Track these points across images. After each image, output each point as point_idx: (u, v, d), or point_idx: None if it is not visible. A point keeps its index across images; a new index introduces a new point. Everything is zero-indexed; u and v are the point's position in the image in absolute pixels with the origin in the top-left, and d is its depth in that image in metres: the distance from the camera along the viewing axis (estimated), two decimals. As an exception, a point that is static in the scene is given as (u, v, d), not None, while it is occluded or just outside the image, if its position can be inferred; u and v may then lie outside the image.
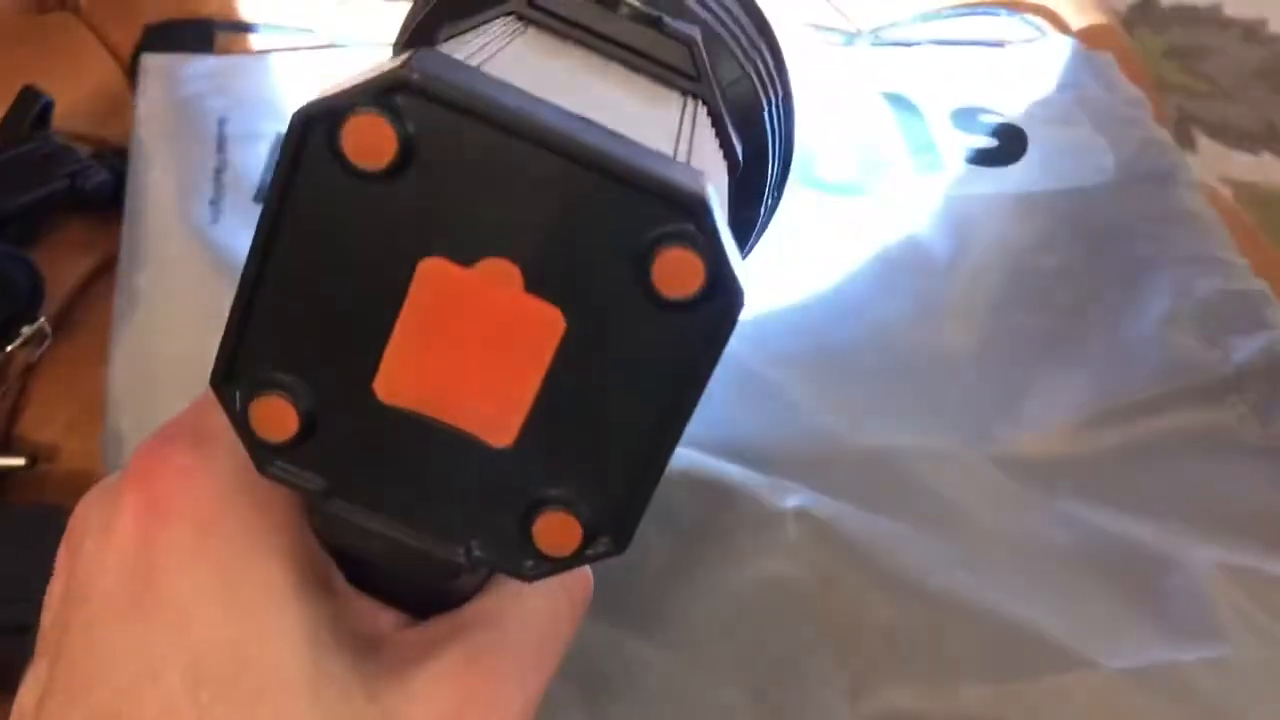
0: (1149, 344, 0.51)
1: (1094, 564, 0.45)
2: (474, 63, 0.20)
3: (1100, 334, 0.52)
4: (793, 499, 0.45)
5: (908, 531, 0.46)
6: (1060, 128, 0.59)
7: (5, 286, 0.47)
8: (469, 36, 0.26)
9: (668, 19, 0.27)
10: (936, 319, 0.53)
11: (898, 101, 0.61)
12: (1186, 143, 1.33)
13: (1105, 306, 0.53)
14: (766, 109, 0.32)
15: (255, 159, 0.53)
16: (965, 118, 0.60)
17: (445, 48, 0.24)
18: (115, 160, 0.53)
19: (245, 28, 0.63)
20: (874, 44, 0.65)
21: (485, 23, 0.26)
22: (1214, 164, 1.31)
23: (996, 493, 0.48)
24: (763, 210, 0.35)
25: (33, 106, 0.53)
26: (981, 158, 0.58)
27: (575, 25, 0.26)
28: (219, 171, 0.53)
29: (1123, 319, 0.52)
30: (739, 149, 0.30)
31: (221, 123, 0.55)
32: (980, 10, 0.68)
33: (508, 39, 0.24)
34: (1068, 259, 0.55)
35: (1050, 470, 0.48)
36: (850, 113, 0.60)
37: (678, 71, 0.27)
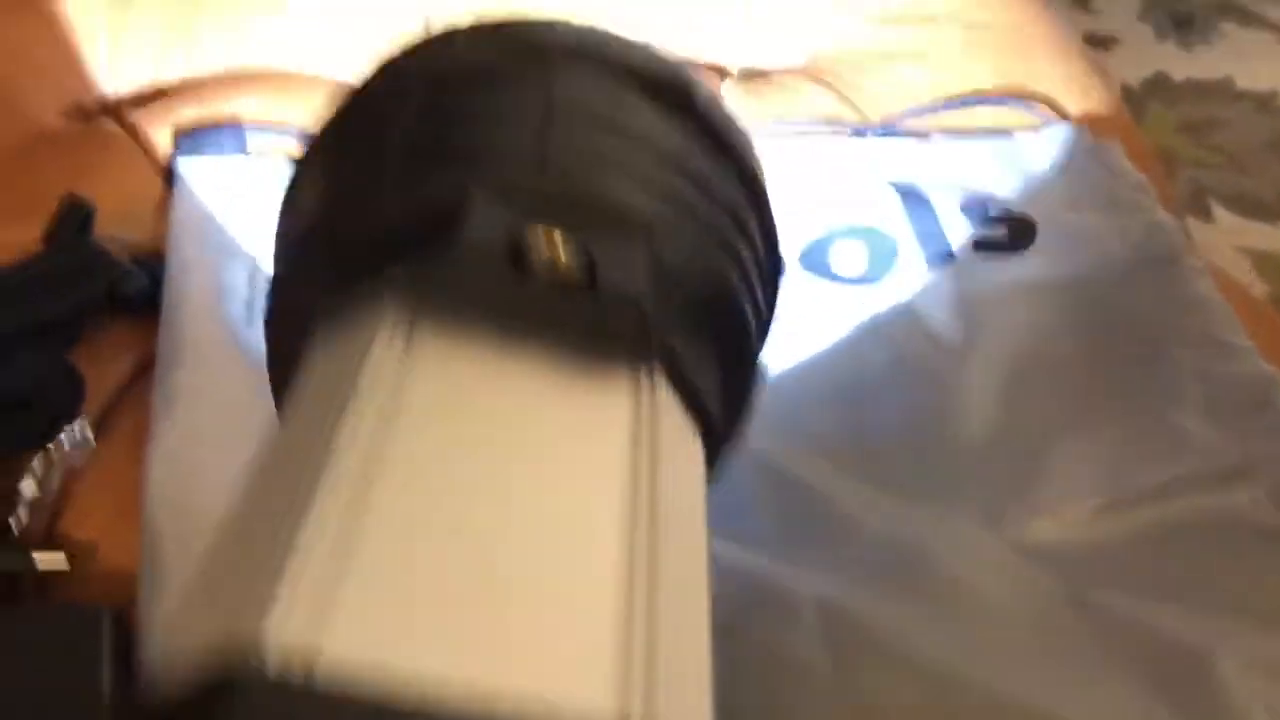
0: (1161, 429, 0.52)
1: (1114, 651, 0.46)
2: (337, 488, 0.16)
3: (1112, 419, 0.53)
4: (810, 583, 0.46)
5: (926, 616, 0.46)
6: (1068, 216, 0.61)
7: (47, 390, 0.49)
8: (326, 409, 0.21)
9: (602, 270, 0.23)
10: (951, 405, 0.54)
11: (907, 192, 0.62)
12: (1203, 214, 1.35)
13: (1116, 392, 0.54)
14: (740, 269, 0.31)
15: (287, 261, 0.55)
16: (974, 207, 0.61)
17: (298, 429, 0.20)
18: (154, 264, 0.56)
19: (276, 130, 0.66)
20: (882, 135, 0.67)
21: (362, 331, 0.22)
22: (1231, 235, 1.32)
23: (1014, 577, 0.48)
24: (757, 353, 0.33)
25: (76, 215, 0.55)
26: (991, 246, 0.60)
27: (479, 308, 0.22)
28: (252, 273, 0.55)
29: (1134, 404, 0.53)
30: (711, 404, 0.27)
31: (254, 224, 0.57)
32: (985, 100, 0.70)
33: (387, 393, 0.19)
34: (1079, 345, 0.56)
35: (1067, 555, 0.49)
36: (860, 203, 0.62)
37: (623, 335, 0.23)
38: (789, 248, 0.60)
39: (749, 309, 0.31)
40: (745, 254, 0.31)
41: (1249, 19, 1.60)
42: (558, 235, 0.23)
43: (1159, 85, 1.51)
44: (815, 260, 0.60)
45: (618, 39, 0.33)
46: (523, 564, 0.17)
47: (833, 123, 0.68)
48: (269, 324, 0.34)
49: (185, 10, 0.72)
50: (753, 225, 0.32)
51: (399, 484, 0.18)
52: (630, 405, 0.21)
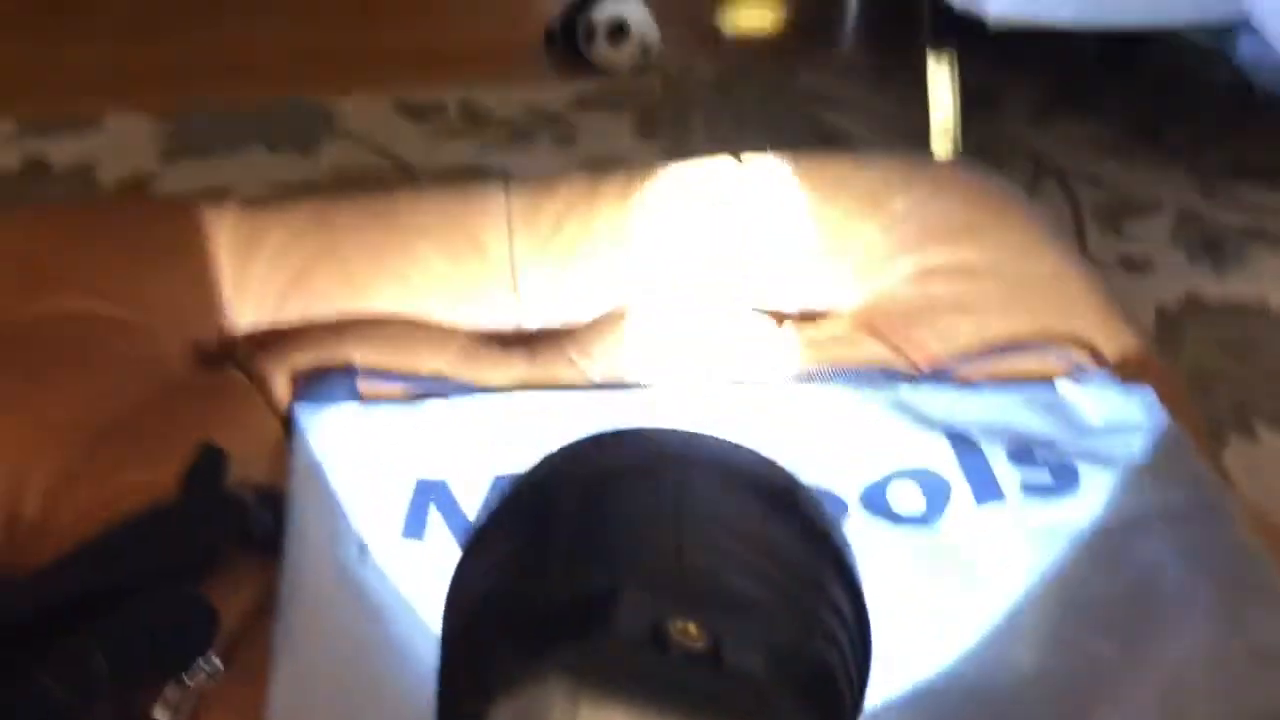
0: (1203, 671, 0.55)
1: None
2: None
3: (1155, 659, 0.56)
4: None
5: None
6: (1110, 464, 0.65)
7: (182, 624, 0.54)
8: None
9: (727, 652, 0.29)
10: (1000, 643, 0.57)
11: (958, 437, 0.68)
12: (1247, 433, 1.38)
13: (1159, 634, 0.57)
14: (839, 651, 0.36)
15: (399, 501, 0.61)
16: (1021, 454, 0.66)
17: None
18: (277, 502, 0.62)
19: (385, 375, 0.73)
20: (933, 382, 0.72)
21: (535, 703, 0.28)
22: (1274, 452, 1.35)
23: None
24: None
25: (210, 461, 0.62)
26: (1038, 491, 0.64)
27: (628, 682, 0.27)
28: (365, 514, 0.61)
29: (1176, 646, 0.56)
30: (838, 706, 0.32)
31: (366, 468, 0.63)
32: (1026, 348, 0.76)
33: None
34: (1123, 588, 0.59)
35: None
36: (915, 447, 0.67)
37: (743, 705, 0.28)
38: (850, 489, 0.65)
39: (844, 684, 0.36)
40: (841, 636, 0.36)
41: (1277, 244, 1.67)
42: (691, 626, 0.29)
43: (1194, 306, 1.57)
44: (875, 500, 0.65)
45: (730, 445, 0.39)
46: None
47: (884, 369, 0.74)
48: (442, 677, 0.38)
49: (303, 259, 0.81)
50: (847, 610, 0.38)
51: None
52: None
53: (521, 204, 0.87)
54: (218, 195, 1.65)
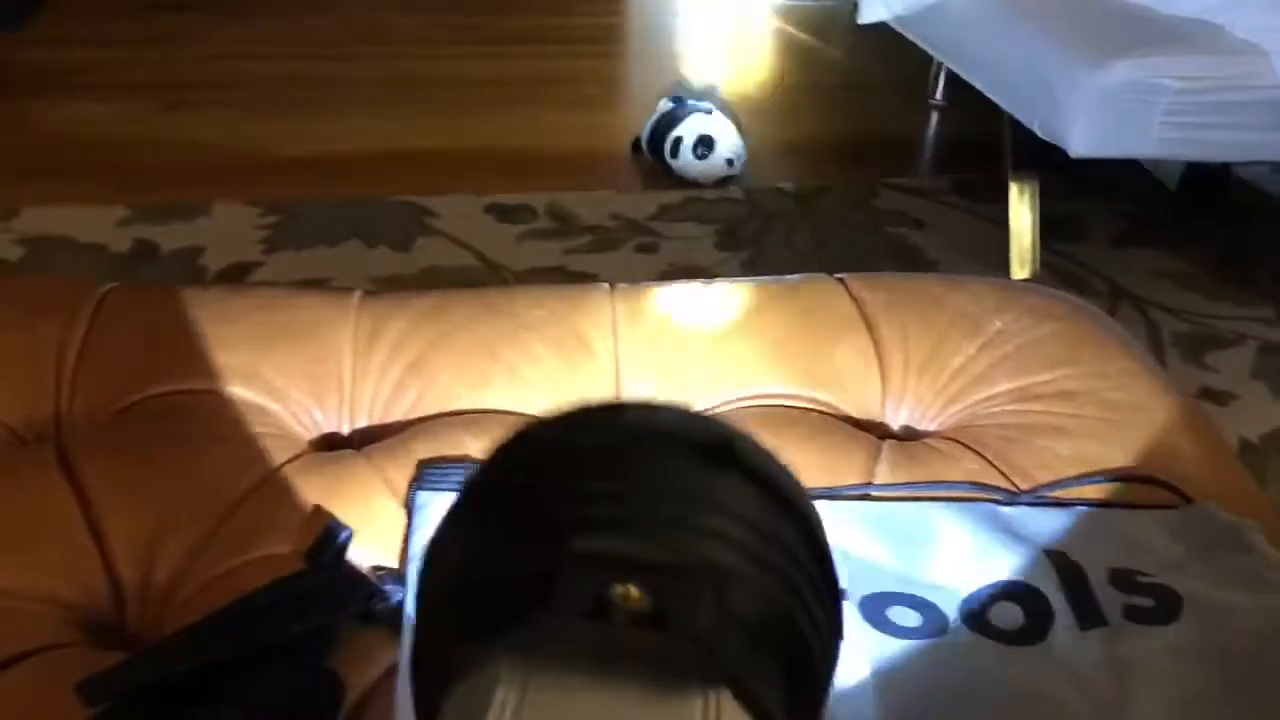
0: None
1: None
2: None
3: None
4: None
5: None
6: (1211, 591, 0.66)
7: (311, 696, 0.56)
8: None
9: (671, 614, 0.29)
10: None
11: (1059, 558, 0.68)
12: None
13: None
14: (799, 600, 0.35)
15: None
16: (1122, 578, 0.67)
17: None
18: (398, 582, 0.64)
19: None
20: (1033, 503, 0.74)
21: (480, 694, 0.28)
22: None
23: None
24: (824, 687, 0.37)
25: (334, 538, 0.65)
26: (1139, 616, 0.65)
27: (574, 657, 0.28)
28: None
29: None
30: (778, 703, 0.31)
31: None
32: (1125, 474, 0.77)
33: None
34: (1228, 713, 0.59)
35: None
36: (1014, 566, 0.68)
37: (692, 666, 0.28)
38: (950, 602, 0.66)
39: (809, 632, 0.36)
40: (803, 586, 0.36)
41: (1362, 381, 1.66)
42: (632, 589, 0.30)
43: (1278, 440, 1.56)
44: (975, 616, 0.66)
45: (680, 413, 0.41)
46: None
47: (982, 486, 0.75)
48: (412, 667, 0.39)
49: (421, 349, 0.85)
50: (807, 558, 0.38)
51: None
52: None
53: (626, 307, 0.91)
54: (317, 286, 1.73)
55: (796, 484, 0.39)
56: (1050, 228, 1.93)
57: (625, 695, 0.27)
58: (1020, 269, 1.88)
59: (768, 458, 0.40)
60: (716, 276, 1.86)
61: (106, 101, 2.23)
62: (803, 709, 0.35)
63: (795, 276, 0.96)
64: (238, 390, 0.80)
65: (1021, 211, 1.88)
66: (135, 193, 1.94)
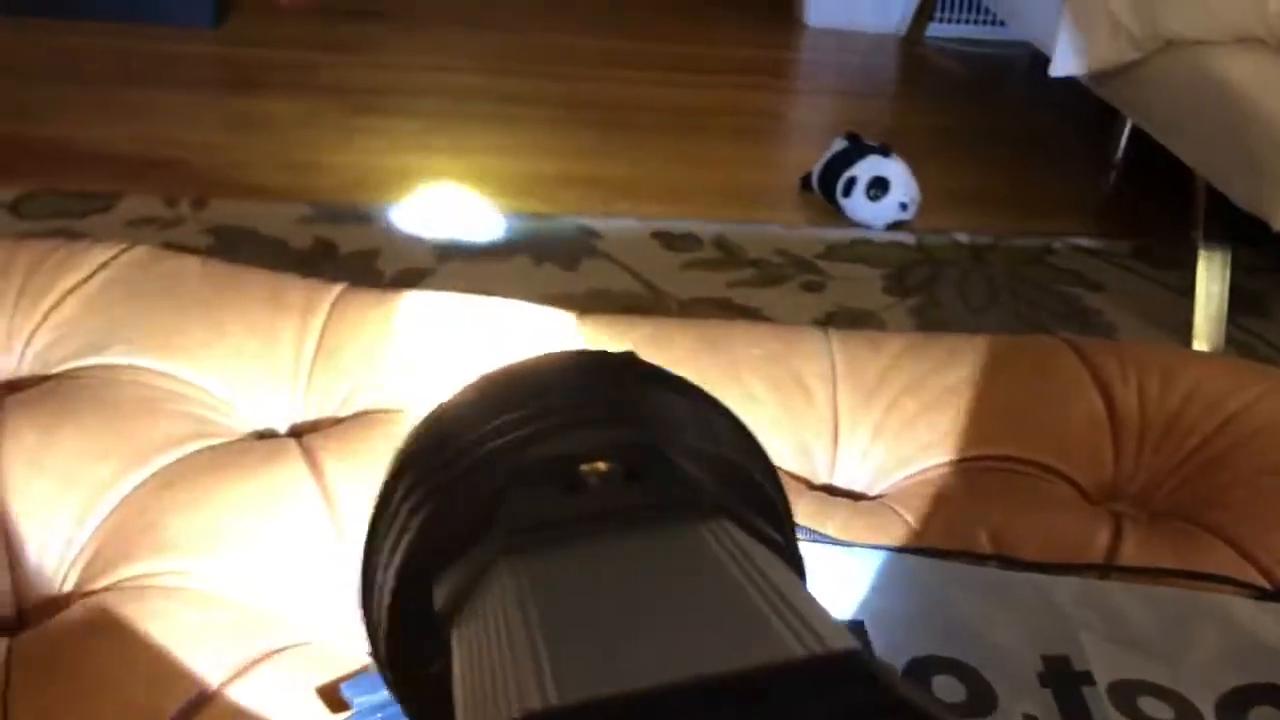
0: None
1: None
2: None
3: None
4: None
5: None
6: None
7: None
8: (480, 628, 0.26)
9: (643, 469, 0.30)
10: None
11: None
12: None
13: None
14: (756, 465, 0.37)
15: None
16: None
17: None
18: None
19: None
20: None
21: (481, 580, 0.28)
22: None
23: None
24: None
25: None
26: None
27: (564, 528, 0.28)
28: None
29: None
30: (779, 518, 0.32)
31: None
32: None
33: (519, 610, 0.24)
34: None
35: None
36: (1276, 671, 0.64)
37: (682, 502, 0.29)
38: (1205, 702, 0.62)
39: (771, 490, 0.36)
40: (751, 456, 0.37)
41: None
42: (599, 463, 0.29)
43: None
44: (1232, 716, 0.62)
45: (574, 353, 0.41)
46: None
47: (1236, 581, 0.71)
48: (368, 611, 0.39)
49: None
50: (740, 436, 0.39)
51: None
52: (720, 549, 0.25)
53: (844, 354, 0.89)
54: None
55: (702, 390, 0.41)
56: (1236, 301, 1.85)
57: (627, 548, 0.27)
58: (1203, 342, 1.80)
59: (664, 370, 0.41)
60: (884, 322, 1.83)
61: (292, 101, 2.31)
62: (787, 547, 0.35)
63: (1025, 336, 0.93)
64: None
65: (1210, 282, 1.81)
66: (316, 191, 2.00)
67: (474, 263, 1.86)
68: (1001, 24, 2.71)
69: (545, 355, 0.42)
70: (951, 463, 0.82)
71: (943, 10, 2.88)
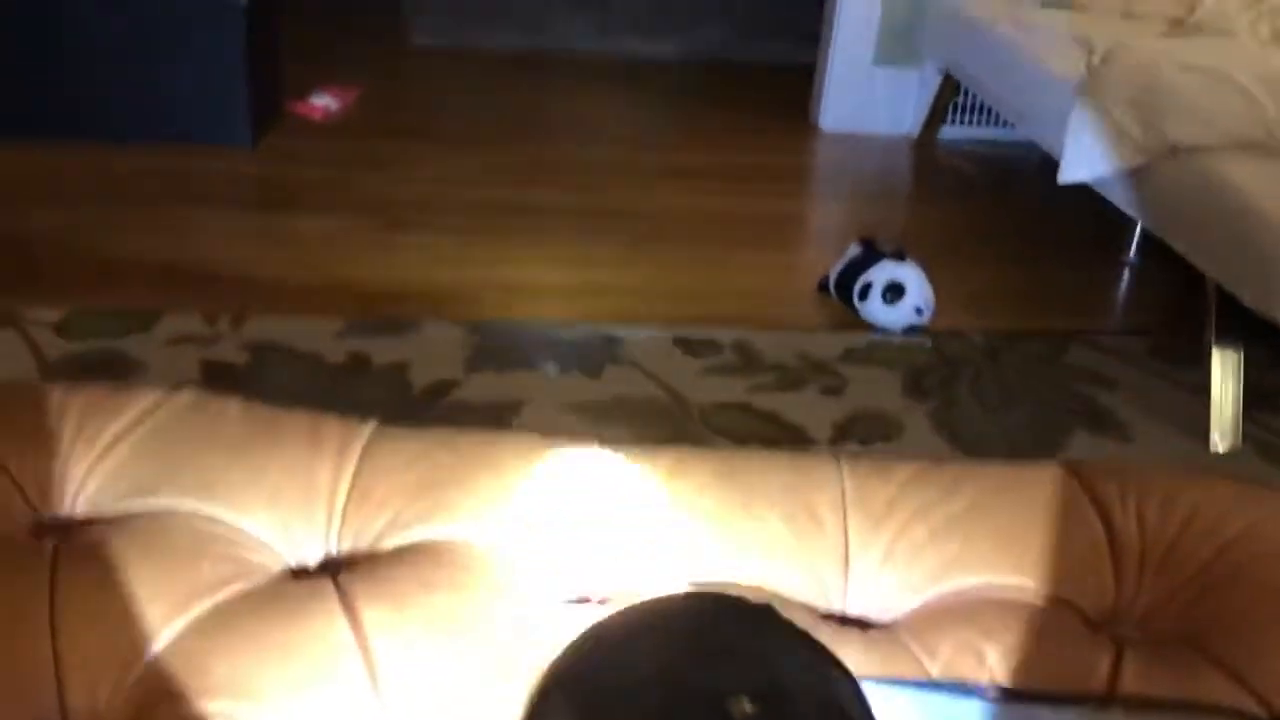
0: None
1: None
2: None
3: None
4: None
5: None
6: None
7: None
8: None
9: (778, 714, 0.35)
10: None
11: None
12: None
13: None
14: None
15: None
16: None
17: None
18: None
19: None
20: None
21: None
22: None
23: None
24: None
25: None
26: None
27: None
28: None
29: None
30: None
31: None
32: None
33: None
34: None
35: None
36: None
37: None
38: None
39: None
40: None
41: None
42: (746, 704, 0.34)
43: None
44: None
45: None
46: None
47: (1234, 712, 0.73)
48: None
49: (660, 516, 0.89)
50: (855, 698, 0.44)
51: None
52: None
53: (855, 482, 0.93)
54: (513, 409, 1.81)
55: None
56: (1253, 398, 1.88)
57: None
58: (1221, 441, 1.82)
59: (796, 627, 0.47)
60: (903, 425, 1.87)
61: (328, 217, 2.40)
62: None
63: (1026, 464, 0.97)
64: (498, 538, 0.85)
65: (1224, 381, 1.84)
66: (350, 307, 2.07)
67: (502, 373, 1.92)
68: (1012, 125, 2.78)
69: (694, 596, 0.48)
70: (957, 591, 0.85)
71: (955, 113, 2.96)
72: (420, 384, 1.88)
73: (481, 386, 1.88)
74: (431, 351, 1.96)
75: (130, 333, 1.94)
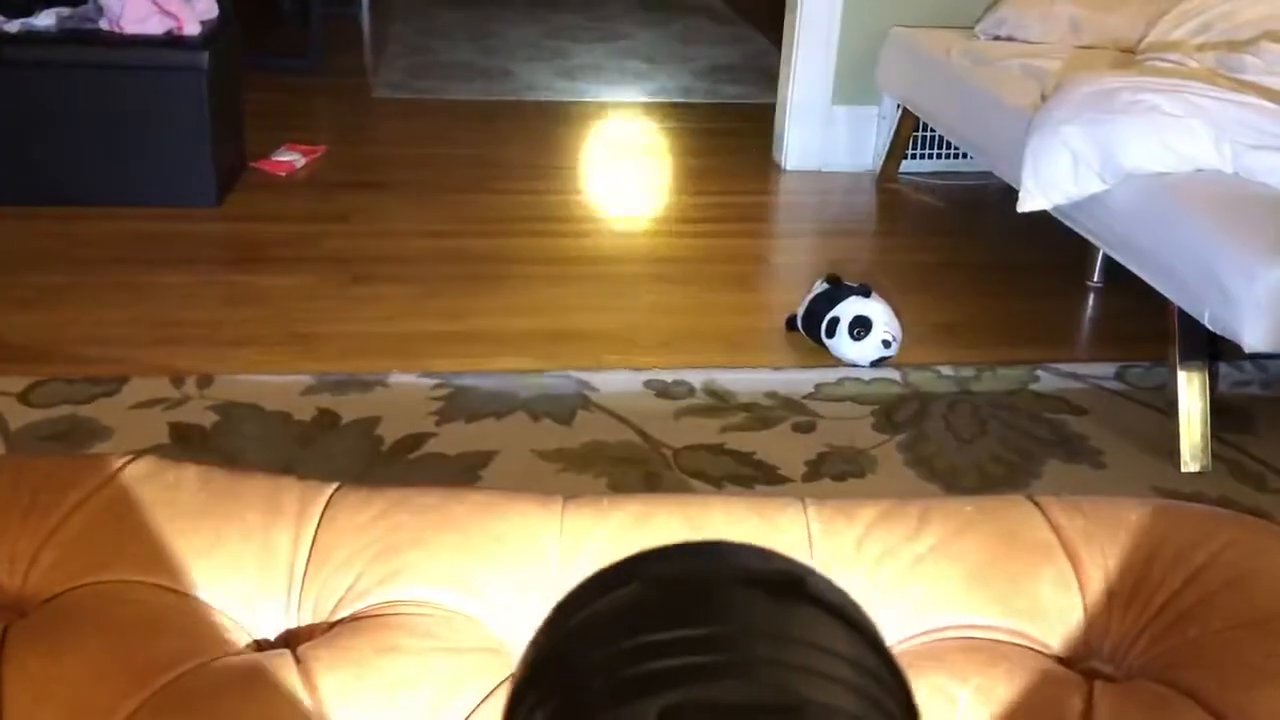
0: None
1: None
2: None
3: None
4: None
5: None
6: None
7: None
8: None
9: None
10: None
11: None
12: None
13: None
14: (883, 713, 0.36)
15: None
16: None
17: None
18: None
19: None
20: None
21: None
22: None
23: None
24: None
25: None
26: None
27: None
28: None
29: None
30: None
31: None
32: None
33: None
34: None
35: None
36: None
37: None
38: None
39: None
40: (896, 711, 0.37)
41: None
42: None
43: None
44: None
45: (742, 550, 0.41)
46: None
47: (1207, 741, 0.73)
48: None
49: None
50: (892, 684, 0.38)
51: None
52: None
53: (821, 524, 0.92)
54: (484, 459, 1.79)
55: (865, 614, 0.40)
56: (1220, 417, 1.89)
57: None
58: (1192, 462, 1.83)
59: (837, 590, 0.40)
60: (876, 459, 1.87)
61: (294, 274, 2.39)
62: None
63: (990, 499, 0.96)
64: (455, 601, 0.84)
65: (1191, 403, 1.85)
66: (318, 362, 2.06)
67: (473, 423, 1.91)
68: (972, 157, 2.81)
69: (694, 548, 0.40)
70: (926, 633, 0.84)
71: (915, 147, 2.99)
72: (391, 438, 1.86)
73: (453, 438, 1.87)
74: (401, 405, 1.95)
75: (96, 398, 1.92)
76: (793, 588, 0.41)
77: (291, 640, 0.82)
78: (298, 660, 0.77)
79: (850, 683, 0.36)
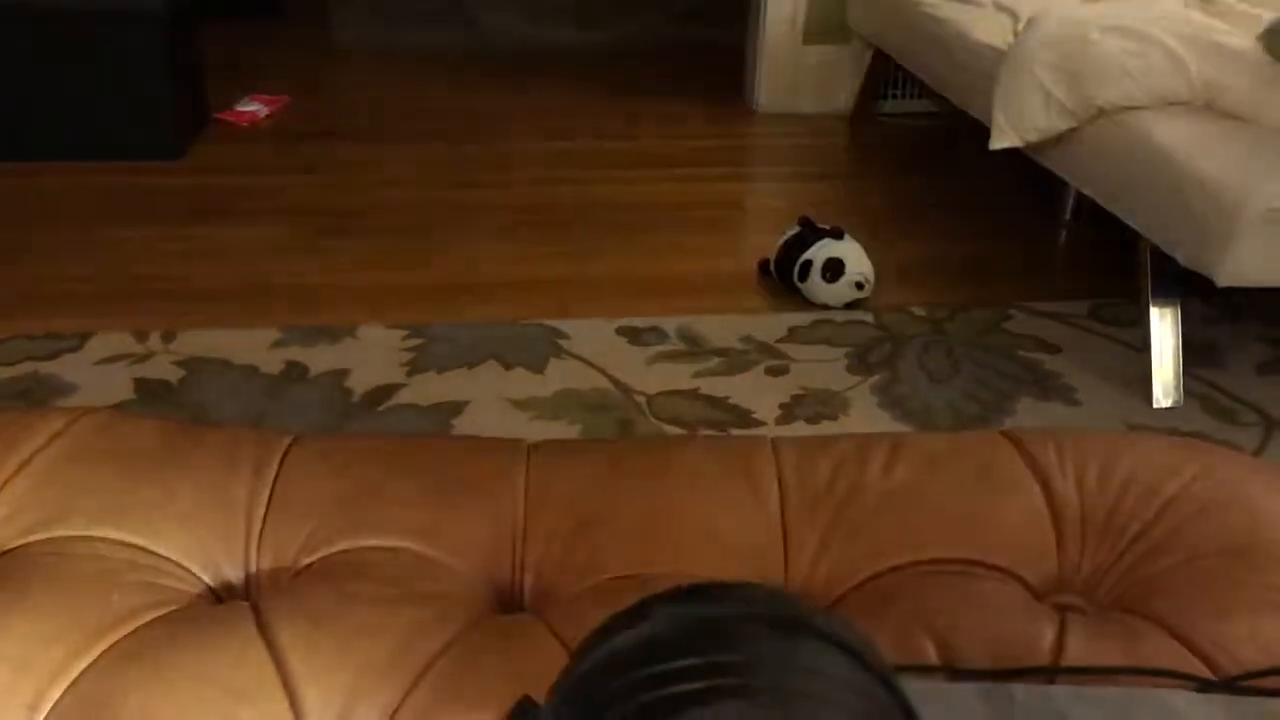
0: None
1: None
2: None
3: None
4: None
5: None
6: None
7: None
8: None
9: None
10: None
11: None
12: None
13: None
14: None
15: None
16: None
17: None
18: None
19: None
20: (1232, 693, 0.71)
21: None
22: None
23: None
24: None
25: (525, 713, 0.65)
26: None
27: None
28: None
29: None
30: None
31: None
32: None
33: None
34: None
35: None
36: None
37: None
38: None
39: None
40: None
41: None
42: None
43: None
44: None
45: (755, 590, 0.42)
46: None
47: (1177, 675, 0.72)
48: None
49: (593, 508, 0.87)
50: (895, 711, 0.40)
51: None
52: None
53: (794, 462, 0.91)
54: (455, 409, 1.77)
55: (875, 649, 0.42)
56: (1192, 353, 1.89)
57: None
58: (1164, 398, 1.83)
59: (847, 627, 0.43)
60: (849, 400, 1.86)
61: (257, 226, 2.35)
62: None
63: (964, 434, 0.95)
64: (421, 547, 0.82)
65: (1163, 339, 1.84)
66: (286, 315, 2.03)
67: (444, 374, 1.89)
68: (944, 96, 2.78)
69: (705, 589, 0.44)
70: (897, 568, 0.84)
71: (888, 87, 2.96)
72: (361, 390, 1.83)
73: (424, 389, 1.85)
74: (370, 357, 1.92)
75: (60, 354, 1.88)
76: (799, 624, 0.42)
77: (250, 592, 0.80)
78: (256, 611, 0.75)
79: (852, 707, 0.38)
